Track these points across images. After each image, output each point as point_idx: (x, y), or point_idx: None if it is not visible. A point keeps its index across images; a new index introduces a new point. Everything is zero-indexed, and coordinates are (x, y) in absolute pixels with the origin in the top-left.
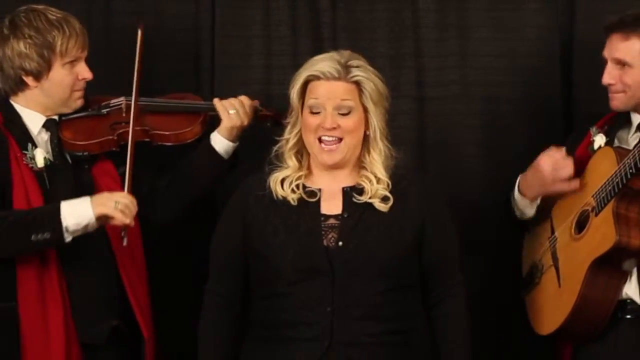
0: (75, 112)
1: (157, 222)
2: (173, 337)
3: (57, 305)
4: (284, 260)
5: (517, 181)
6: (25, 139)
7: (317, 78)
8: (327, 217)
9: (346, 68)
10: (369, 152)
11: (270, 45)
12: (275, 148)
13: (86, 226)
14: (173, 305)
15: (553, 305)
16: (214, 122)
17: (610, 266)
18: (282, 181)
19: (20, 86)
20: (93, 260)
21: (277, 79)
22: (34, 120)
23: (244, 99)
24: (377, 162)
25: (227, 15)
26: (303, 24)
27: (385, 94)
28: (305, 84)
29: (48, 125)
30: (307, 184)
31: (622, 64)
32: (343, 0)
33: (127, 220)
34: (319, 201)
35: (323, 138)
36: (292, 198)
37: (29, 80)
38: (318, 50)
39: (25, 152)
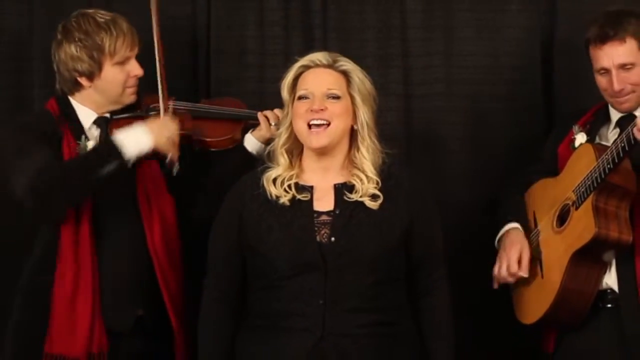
0: (125, 111)
1: (195, 218)
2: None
3: (88, 287)
4: (279, 256)
5: (501, 234)
6: (79, 131)
7: (307, 68)
8: (320, 213)
9: (334, 59)
10: (358, 149)
11: (264, 45)
12: (268, 148)
13: (141, 153)
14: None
15: (536, 295)
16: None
17: (590, 258)
18: (274, 180)
19: (76, 86)
20: (126, 248)
21: (270, 77)
22: (86, 117)
23: (278, 112)
24: (367, 159)
25: (223, 16)
26: (295, 25)
27: (373, 94)
28: (296, 79)
29: (99, 122)
30: (300, 182)
31: (626, 67)
32: (334, 2)
33: (176, 153)
34: (311, 198)
35: (312, 122)
36: (285, 199)
37: (82, 80)
38: (310, 49)
39: (79, 142)
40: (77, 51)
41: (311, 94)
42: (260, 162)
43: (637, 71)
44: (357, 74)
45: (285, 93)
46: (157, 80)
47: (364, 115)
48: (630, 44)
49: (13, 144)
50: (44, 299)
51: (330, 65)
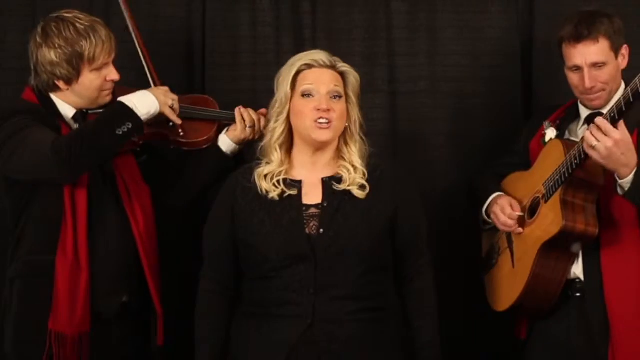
0: (103, 107)
1: (168, 207)
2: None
3: (85, 268)
4: (271, 248)
5: (487, 204)
6: (66, 122)
7: (310, 67)
8: (309, 206)
9: (335, 61)
10: (346, 144)
11: (256, 45)
12: (261, 144)
13: (151, 116)
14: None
15: (508, 284)
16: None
17: (558, 248)
18: (266, 176)
19: (53, 88)
20: (114, 237)
21: (262, 75)
22: (66, 112)
23: (253, 114)
24: (354, 153)
25: (217, 17)
26: (286, 26)
27: (359, 92)
28: (296, 75)
29: (76, 117)
30: (289, 177)
31: (598, 65)
32: (323, 4)
33: (179, 121)
34: (300, 192)
35: (319, 121)
36: (275, 194)
37: (60, 84)
38: (300, 49)
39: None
40: (56, 57)
41: (317, 92)
42: (231, 162)
43: (608, 70)
44: (353, 75)
45: (286, 88)
46: (142, 63)
47: (356, 113)
48: (602, 43)
49: (10, 127)
50: (47, 277)
51: (333, 66)
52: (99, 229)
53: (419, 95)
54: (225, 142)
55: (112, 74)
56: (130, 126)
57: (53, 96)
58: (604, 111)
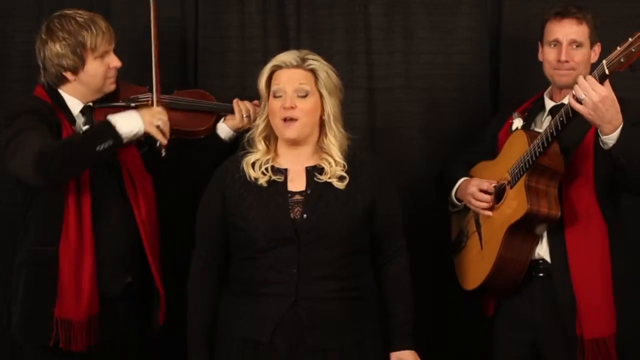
0: (109, 100)
1: (177, 191)
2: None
3: (89, 257)
4: (257, 231)
5: (456, 188)
6: (71, 118)
7: (280, 67)
8: (293, 193)
9: (303, 59)
10: (326, 136)
11: (244, 45)
12: (247, 135)
13: (134, 135)
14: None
15: (476, 264)
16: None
17: (523, 231)
18: (253, 164)
19: (62, 80)
20: (118, 223)
21: (249, 73)
22: (74, 106)
23: (250, 105)
24: (334, 145)
25: (208, 19)
26: (272, 27)
27: (339, 86)
28: (270, 75)
29: (84, 111)
30: (275, 165)
31: (576, 44)
32: (306, 6)
33: (164, 141)
34: (285, 180)
35: (285, 117)
36: (263, 180)
37: (67, 75)
38: (285, 48)
39: (74, 127)
40: (62, 49)
41: (283, 92)
42: (228, 146)
43: (582, 53)
44: (324, 70)
45: (262, 89)
46: (151, 76)
47: (331, 107)
48: (584, 27)
49: (16, 125)
50: (51, 268)
51: (299, 65)
52: (102, 217)
53: (395, 91)
54: (224, 130)
55: (114, 61)
56: (110, 143)
57: (62, 92)
58: (565, 101)
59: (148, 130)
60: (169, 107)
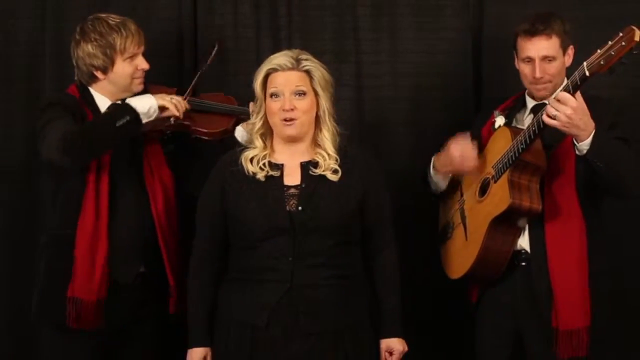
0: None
1: (189, 191)
2: None
3: (104, 242)
4: (255, 222)
5: (432, 160)
6: (98, 113)
7: (275, 70)
8: (289, 187)
9: (297, 61)
10: (321, 131)
11: (238, 44)
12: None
13: (149, 110)
14: None
15: (461, 255)
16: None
17: (506, 223)
18: (252, 159)
19: (92, 79)
20: (133, 213)
21: (243, 71)
22: (102, 103)
23: None
24: (328, 139)
25: (205, 20)
26: (265, 27)
27: (330, 81)
28: (266, 77)
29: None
30: (272, 160)
31: (548, 59)
32: (297, 8)
33: (177, 112)
34: (282, 174)
35: (285, 119)
36: (261, 175)
37: (98, 74)
38: (277, 48)
39: None
40: (93, 49)
41: (281, 93)
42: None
43: (556, 65)
44: (317, 70)
45: (257, 90)
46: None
47: (325, 103)
48: (554, 40)
49: (45, 116)
50: (68, 250)
51: (294, 67)
52: (119, 206)
53: (382, 89)
54: (241, 133)
55: (142, 64)
56: (128, 118)
57: (92, 90)
58: (547, 101)
59: (160, 103)
60: (193, 109)
